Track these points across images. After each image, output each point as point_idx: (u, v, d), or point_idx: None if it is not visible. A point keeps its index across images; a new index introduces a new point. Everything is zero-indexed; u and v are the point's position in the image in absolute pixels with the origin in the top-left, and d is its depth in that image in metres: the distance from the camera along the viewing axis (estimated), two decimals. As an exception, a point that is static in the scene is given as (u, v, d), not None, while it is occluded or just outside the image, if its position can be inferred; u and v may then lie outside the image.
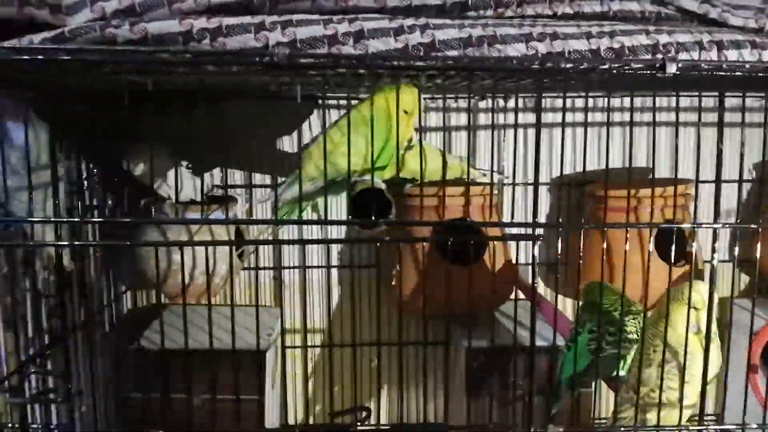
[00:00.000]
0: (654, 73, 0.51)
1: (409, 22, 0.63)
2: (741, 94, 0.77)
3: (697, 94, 0.91)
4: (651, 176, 0.82)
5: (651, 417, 0.63)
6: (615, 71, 0.58)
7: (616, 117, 1.17)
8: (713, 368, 0.65)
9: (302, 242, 1.04)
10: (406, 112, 0.71)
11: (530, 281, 0.92)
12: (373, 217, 0.59)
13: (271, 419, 1.04)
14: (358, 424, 0.63)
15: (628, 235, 0.83)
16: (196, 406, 0.93)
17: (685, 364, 0.64)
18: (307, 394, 1.20)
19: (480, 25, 0.64)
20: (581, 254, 0.80)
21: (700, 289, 0.66)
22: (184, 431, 0.90)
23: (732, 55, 0.65)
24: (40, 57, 0.50)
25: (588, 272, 1.02)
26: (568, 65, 0.58)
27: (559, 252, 0.82)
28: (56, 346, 0.75)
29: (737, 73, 0.58)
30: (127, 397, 0.91)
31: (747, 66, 0.59)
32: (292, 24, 0.61)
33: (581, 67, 0.55)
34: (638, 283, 0.90)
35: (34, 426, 0.51)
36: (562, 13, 0.71)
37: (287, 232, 1.12)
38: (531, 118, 1.13)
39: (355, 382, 1.14)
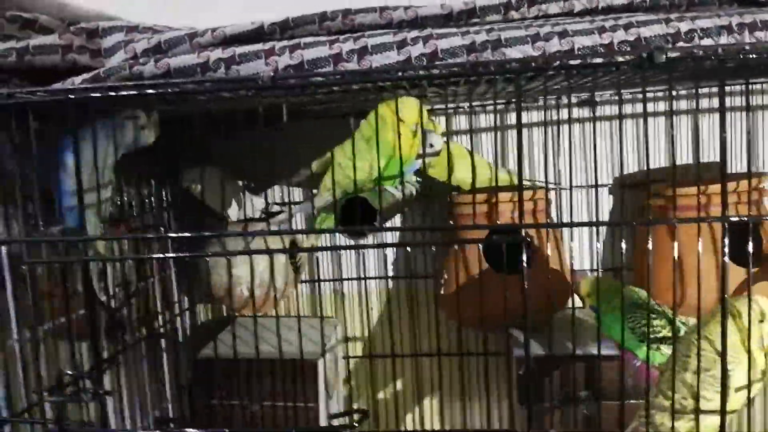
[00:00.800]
0: (641, 66, 0.48)
1: (413, 34, 0.64)
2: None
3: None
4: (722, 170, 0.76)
5: (681, 426, 0.59)
6: (599, 67, 0.55)
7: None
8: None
9: (338, 248, 1.06)
10: (402, 121, 0.71)
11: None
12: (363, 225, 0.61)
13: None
14: (355, 425, 0.64)
15: (700, 234, 0.77)
16: (254, 411, 0.99)
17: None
18: (372, 403, 1.22)
19: (485, 31, 0.64)
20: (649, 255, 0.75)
21: (760, 302, 0.60)
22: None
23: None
24: (71, 96, 0.56)
25: (655, 277, 0.96)
26: (555, 63, 0.55)
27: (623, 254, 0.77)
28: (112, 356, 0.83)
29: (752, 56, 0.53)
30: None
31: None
32: (300, 47, 0.64)
33: (561, 63, 0.52)
34: (710, 287, 0.84)
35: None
36: (580, 10, 0.69)
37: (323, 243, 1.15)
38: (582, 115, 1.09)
39: (419, 391, 1.15)
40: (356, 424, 0.64)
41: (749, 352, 0.58)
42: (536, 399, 0.94)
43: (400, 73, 0.57)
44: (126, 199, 0.90)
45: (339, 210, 0.61)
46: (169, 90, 0.52)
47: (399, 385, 1.20)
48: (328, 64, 0.63)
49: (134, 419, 0.83)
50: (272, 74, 0.50)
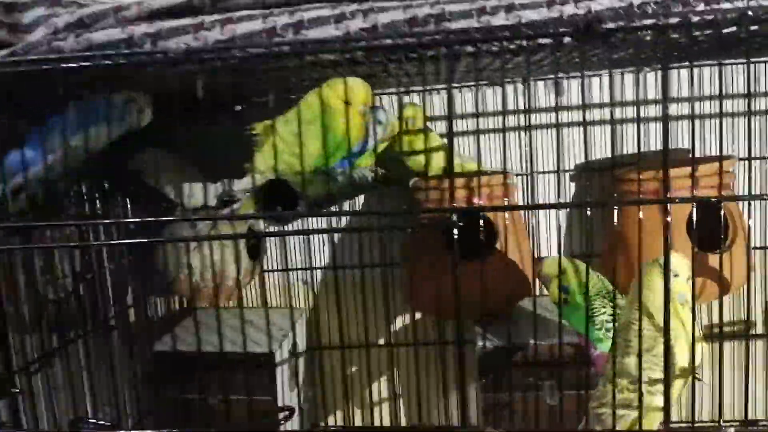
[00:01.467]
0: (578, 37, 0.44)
1: (352, 7, 0.60)
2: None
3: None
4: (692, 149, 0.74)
5: (629, 413, 0.56)
6: (533, 38, 0.51)
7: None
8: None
9: (288, 233, 1.02)
10: (348, 104, 0.67)
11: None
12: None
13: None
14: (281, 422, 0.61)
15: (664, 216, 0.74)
16: (211, 405, 0.95)
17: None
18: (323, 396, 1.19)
19: (428, 4, 0.60)
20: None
21: (676, 256, 0.59)
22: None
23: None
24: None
25: (621, 263, 0.93)
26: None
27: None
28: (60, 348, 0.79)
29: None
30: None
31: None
32: (232, 21, 0.60)
33: (485, 36, 0.48)
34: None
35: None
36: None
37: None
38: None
39: (370, 384, 1.13)
40: (282, 422, 0.61)
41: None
42: (497, 390, 0.92)
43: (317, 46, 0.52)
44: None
45: (261, 194, 0.58)
46: (71, 65, 0.48)
47: (349, 374, 1.18)
48: (261, 39, 0.59)
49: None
50: (184, 47, 0.46)
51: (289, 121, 0.66)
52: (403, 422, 1.16)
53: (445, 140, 1.00)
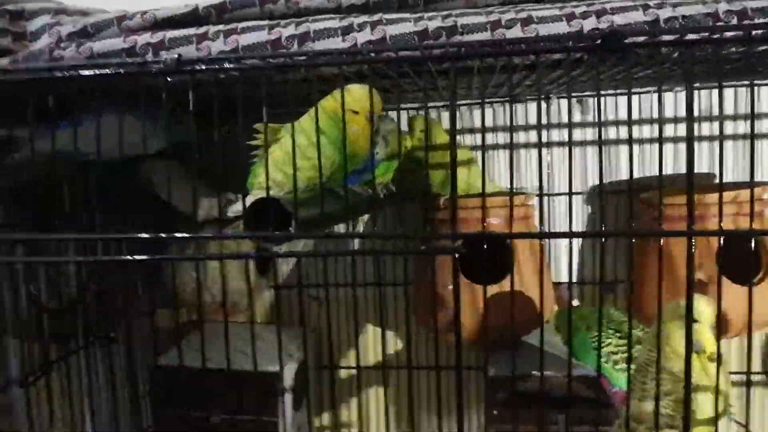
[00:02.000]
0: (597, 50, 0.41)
1: (361, 19, 0.58)
2: None
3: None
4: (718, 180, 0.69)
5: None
6: (548, 53, 0.48)
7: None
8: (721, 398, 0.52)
9: (300, 255, 0.99)
10: (356, 113, 0.64)
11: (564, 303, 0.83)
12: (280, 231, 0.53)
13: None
14: None
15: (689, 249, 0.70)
16: (214, 424, 0.93)
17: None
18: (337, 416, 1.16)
19: (440, 17, 0.57)
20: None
21: (699, 301, 0.54)
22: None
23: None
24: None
25: (647, 293, 0.88)
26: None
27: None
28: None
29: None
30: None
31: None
32: (236, 32, 0.58)
33: (493, 50, 0.45)
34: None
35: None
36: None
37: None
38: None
39: (388, 405, 1.09)
40: None
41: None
42: (505, 420, 0.87)
43: (322, 59, 0.49)
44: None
45: (250, 213, 0.55)
46: (56, 74, 0.46)
47: (365, 397, 1.14)
48: (266, 50, 0.57)
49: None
50: (177, 57, 0.44)
51: (296, 131, 0.63)
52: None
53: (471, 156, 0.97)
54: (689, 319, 0.44)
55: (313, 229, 0.55)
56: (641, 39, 0.44)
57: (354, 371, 1.13)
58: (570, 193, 0.82)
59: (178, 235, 0.84)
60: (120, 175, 0.86)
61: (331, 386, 1.13)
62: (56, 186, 0.82)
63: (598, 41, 0.39)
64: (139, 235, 0.78)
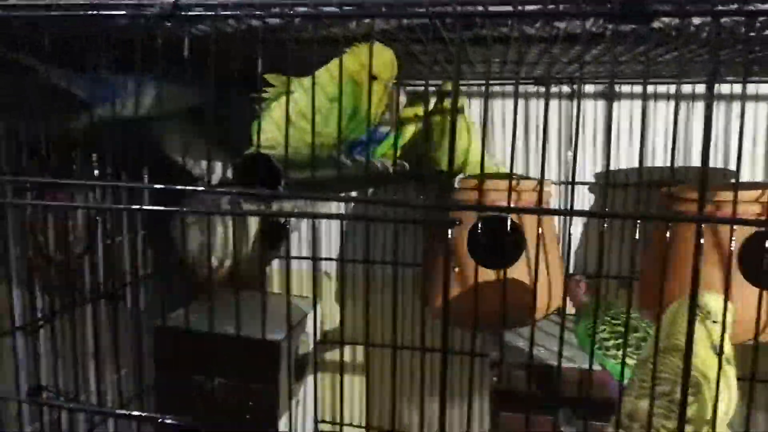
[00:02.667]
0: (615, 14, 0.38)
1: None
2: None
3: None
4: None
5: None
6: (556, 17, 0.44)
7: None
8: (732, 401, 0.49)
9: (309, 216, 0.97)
10: (375, 78, 0.58)
11: (582, 294, 0.80)
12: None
13: (295, 410, 1.01)
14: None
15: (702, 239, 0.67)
16: (212, 389, 0.93)
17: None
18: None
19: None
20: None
21: (715, 299, 0.50)
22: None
23: None
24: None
25: (654, 286, 0.85)
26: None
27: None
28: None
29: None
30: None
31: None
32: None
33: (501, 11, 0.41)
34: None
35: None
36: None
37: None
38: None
39: (395, 384, 1.08)
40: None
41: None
42: (512, 408, 0.85)
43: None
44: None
45: (241, 169, 0.53)
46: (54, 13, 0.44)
47: (375, 375, 1.13)
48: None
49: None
50: (173, 1, 0.42)
51: (305, 89, 0.60)
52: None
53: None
54: (692, 314, 0.41)
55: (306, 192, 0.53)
56: (667, 8, 0.41)
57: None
58: (573, 183, 0.80)
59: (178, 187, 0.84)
60: (133, 134, 0.86)
61: (341, 361, 1.12)
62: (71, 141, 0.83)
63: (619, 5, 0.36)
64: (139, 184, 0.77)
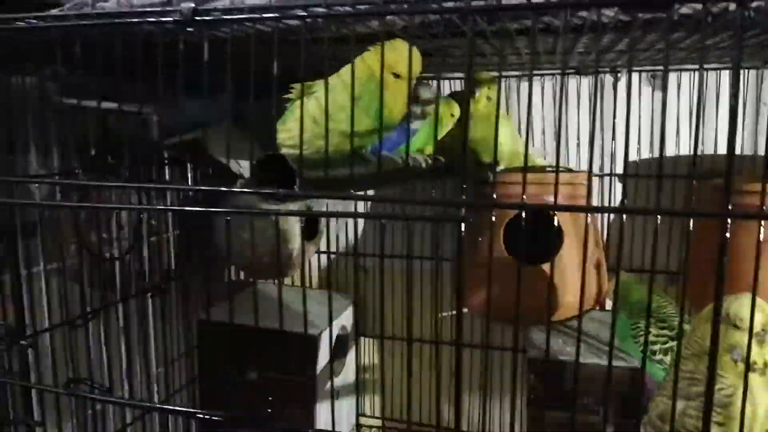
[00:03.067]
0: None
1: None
2: None
3: None
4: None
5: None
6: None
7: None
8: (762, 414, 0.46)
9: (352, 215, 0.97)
10: (397, 76, 0.59)
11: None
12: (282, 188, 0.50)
13: (338, 406, 1.03)
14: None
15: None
16: (252, 380, 0.95)
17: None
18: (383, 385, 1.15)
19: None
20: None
21: (743, 303, 0.47)
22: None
23: None
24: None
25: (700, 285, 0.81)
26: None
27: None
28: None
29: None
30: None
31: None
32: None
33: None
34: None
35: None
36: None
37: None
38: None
39: (439, 379, 1.08)
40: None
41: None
42: (550, 407, 0.84)
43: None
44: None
45: (257, 169, 0.53)
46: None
47: (414, 370, 1.13)
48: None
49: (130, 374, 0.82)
50: (193, 6, 0.43)
51: (331, 87, 0.60)
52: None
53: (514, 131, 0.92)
54: (716, 318, 0.39)
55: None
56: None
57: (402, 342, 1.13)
58: (625, 175, 0.76)
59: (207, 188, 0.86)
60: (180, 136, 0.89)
61: (381, 355, 1.12)
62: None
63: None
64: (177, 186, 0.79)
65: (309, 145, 0.59)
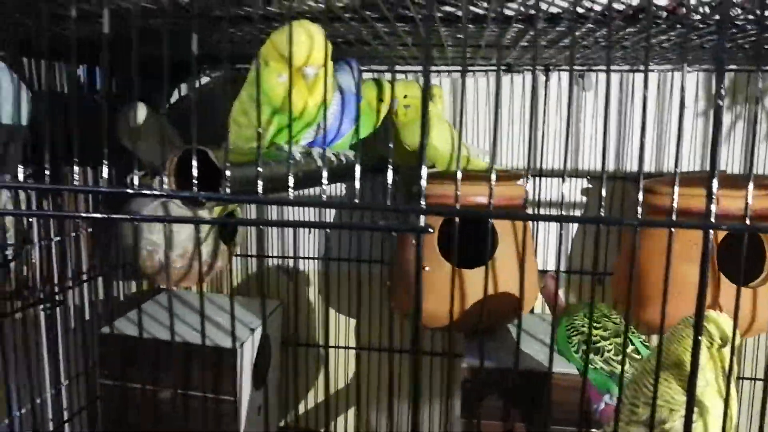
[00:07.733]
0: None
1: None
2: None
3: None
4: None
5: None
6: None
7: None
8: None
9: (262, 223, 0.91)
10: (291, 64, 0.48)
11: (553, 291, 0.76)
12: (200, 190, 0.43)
13: (257, 419, 0.95)
14: None
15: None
16: (163, 399, 0.86)
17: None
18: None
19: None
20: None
21: (725, 320, 0.46)
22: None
23: None
24: None
25: (639, 286, 0.81)
26: None
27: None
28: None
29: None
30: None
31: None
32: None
33: None
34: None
35: None
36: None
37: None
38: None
39: (359, 385, 1.03)
40: None
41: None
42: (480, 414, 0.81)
43: None
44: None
45: (175, 167, 0.45)
46: None
47: (340, 377, 1.08)
48: None
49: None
50: None
51: (249, 82, 0.53)
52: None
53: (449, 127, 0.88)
54: (697, 335, 0.37)
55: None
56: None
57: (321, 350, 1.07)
58: (563, 175, 0.75)
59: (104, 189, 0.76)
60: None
61: (295, 365, 1.06)
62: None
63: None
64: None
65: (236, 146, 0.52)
